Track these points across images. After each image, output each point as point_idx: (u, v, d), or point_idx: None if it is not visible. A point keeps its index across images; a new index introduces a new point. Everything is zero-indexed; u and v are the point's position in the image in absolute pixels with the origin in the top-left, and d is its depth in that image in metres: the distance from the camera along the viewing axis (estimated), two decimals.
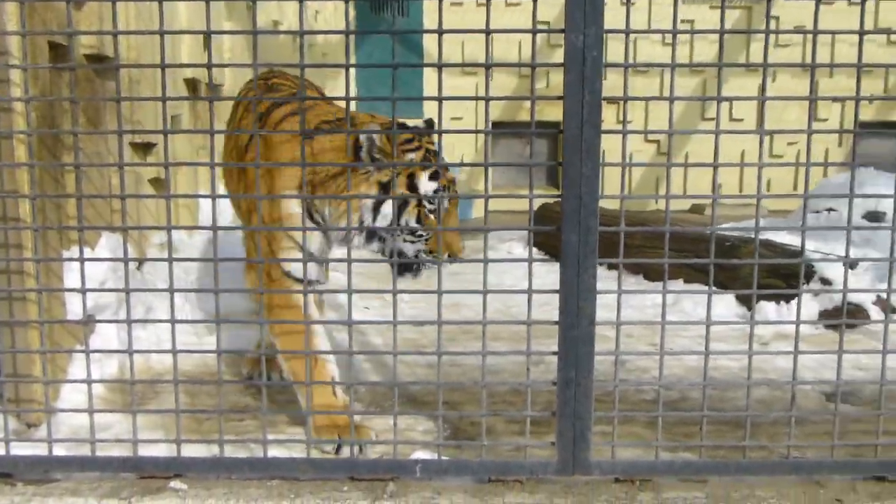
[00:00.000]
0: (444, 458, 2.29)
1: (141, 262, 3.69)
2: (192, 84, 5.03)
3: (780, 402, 3.07)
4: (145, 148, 4.11)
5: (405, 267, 2.62)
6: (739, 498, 2.23)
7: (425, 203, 2.56)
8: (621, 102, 2.18)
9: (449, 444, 2.50)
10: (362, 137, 2.48)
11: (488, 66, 2.16)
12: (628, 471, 2.29)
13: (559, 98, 2.13)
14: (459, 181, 10.70)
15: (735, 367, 3.50)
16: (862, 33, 2.21)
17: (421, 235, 2.59)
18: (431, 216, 2.57)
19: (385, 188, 2.52)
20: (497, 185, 9.80)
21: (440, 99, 2.17)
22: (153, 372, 3.24)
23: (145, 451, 2.31)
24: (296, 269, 2.61)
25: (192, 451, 2.34)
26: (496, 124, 9.38)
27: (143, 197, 3.97)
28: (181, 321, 2.33)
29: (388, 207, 2.51)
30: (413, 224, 2.57)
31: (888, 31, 2.26)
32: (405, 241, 2.58)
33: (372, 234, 2.60)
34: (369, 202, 2.52)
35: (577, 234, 2.15)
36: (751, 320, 2.41)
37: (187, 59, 4.73)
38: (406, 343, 3.78)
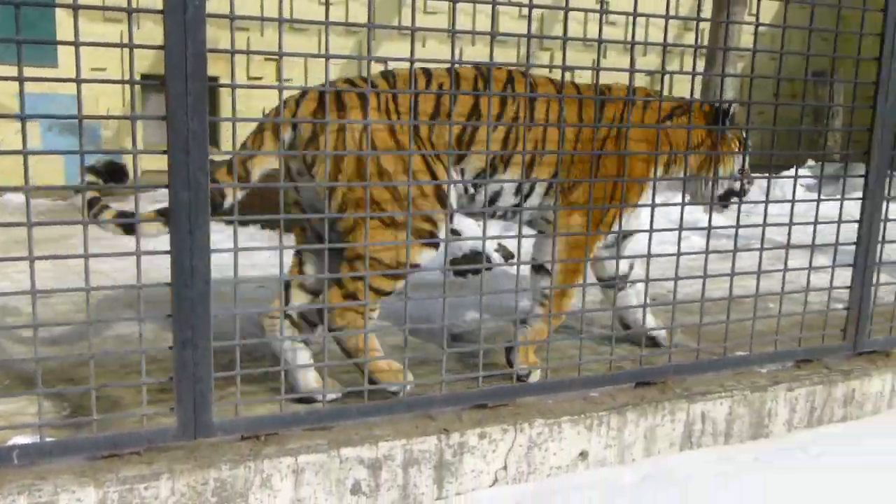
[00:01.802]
0: (48, 439, 2.08)
1: None
2: None
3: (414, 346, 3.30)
4: None
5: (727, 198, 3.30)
6: (360, 439, 2.35)
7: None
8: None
9: (54, 423, 2.29)
10: (734, 106, 3.14)
11: (127, 10, 1.96)
12: (253, 427, 2.29)
13: (161, 48, 2.01)
14: (106, 137, 9.69)
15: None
16: (495, 4, 2.41)
17: None
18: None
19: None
20: (150, 143, 9.12)
21: (76, 44, 1.93)
22: None
23: None
24: None
25: None
26: (145, 76, 8.66)
27: None
28: None
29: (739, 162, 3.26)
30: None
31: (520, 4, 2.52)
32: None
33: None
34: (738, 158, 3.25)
35: (187, 191, 2.06)
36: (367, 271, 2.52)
37: None
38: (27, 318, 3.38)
